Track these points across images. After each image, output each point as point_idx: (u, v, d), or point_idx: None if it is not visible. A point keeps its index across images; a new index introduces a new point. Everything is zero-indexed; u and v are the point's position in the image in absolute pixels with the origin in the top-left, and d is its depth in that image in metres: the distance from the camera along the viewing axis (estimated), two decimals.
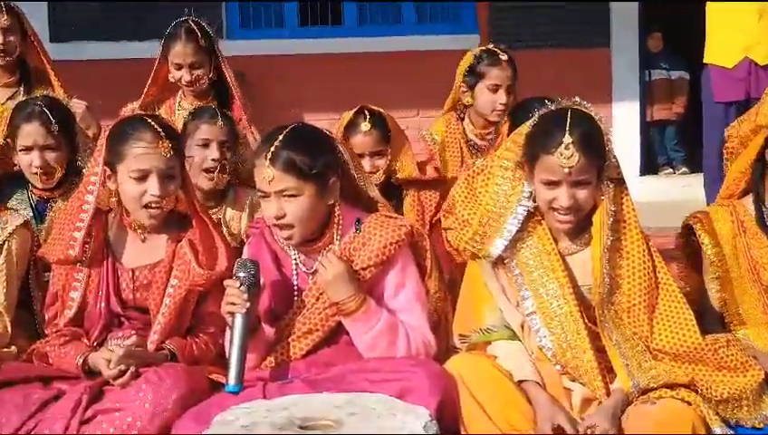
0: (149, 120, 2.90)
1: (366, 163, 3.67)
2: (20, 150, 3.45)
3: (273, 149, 2.70)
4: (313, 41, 7.59)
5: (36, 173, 3.43)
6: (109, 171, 2.91)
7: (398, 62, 7.52)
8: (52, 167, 3.45)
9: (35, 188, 3.50)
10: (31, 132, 3.42)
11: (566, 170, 2.58)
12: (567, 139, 2.56)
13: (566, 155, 2.56)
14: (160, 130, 2.87)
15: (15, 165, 3.52)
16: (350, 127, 3.77)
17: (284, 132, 2.74)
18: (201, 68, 4.07)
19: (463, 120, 4.11)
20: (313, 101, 7.08)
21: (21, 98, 4.05)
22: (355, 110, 3.80)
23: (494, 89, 3.96)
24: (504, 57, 3.99)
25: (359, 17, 8.03)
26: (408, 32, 7.83)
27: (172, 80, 4.11)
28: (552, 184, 2.63)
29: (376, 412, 2.22)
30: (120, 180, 2.89)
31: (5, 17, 4.11)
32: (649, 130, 8.50)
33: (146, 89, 4.19)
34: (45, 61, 4.31)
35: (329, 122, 5.05)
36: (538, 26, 7.61)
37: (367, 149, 3.74)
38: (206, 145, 3.58)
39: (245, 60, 6.39)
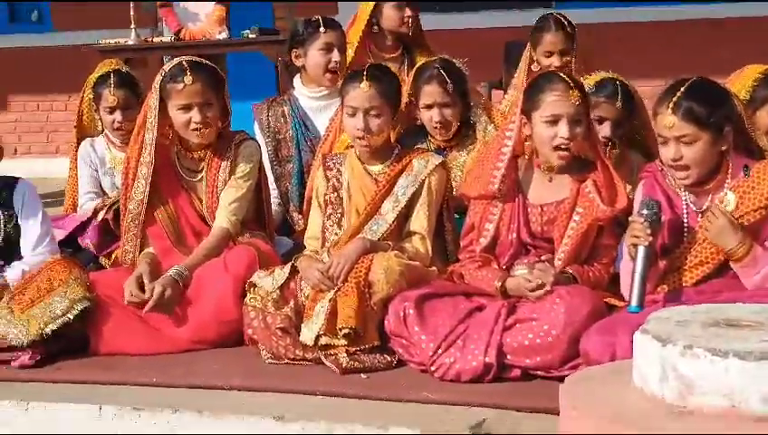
0: (562, 75, 3.28)
1: None
2: (422, 107, 3.90)
3: (675, 99, 2.92)
4: (637, 8, 7.73)
5: (436, 127, 3.88)
6: (524, 118, 3.29)
7: (724, 29, 7.53)
8: (449, 121, 3.88)
9: (434, 138, 3.95)
10: (431, 92, 3.85)
11: None
12: None
13: None
14: (570, 81, 3.23)
15: (417, 119, 3.98)
16: None
17: (687, 84, 2.97)
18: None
19: None
20: (640, 68, 7.23)
21: (405, 66, 4.64)
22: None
23: None
24: None
25: None
26: None
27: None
28: None
29: None
30: (533, 124, 3.25)
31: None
32: None
33: None
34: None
35: (651, 88, 5.21)
36: None
37: None
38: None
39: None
